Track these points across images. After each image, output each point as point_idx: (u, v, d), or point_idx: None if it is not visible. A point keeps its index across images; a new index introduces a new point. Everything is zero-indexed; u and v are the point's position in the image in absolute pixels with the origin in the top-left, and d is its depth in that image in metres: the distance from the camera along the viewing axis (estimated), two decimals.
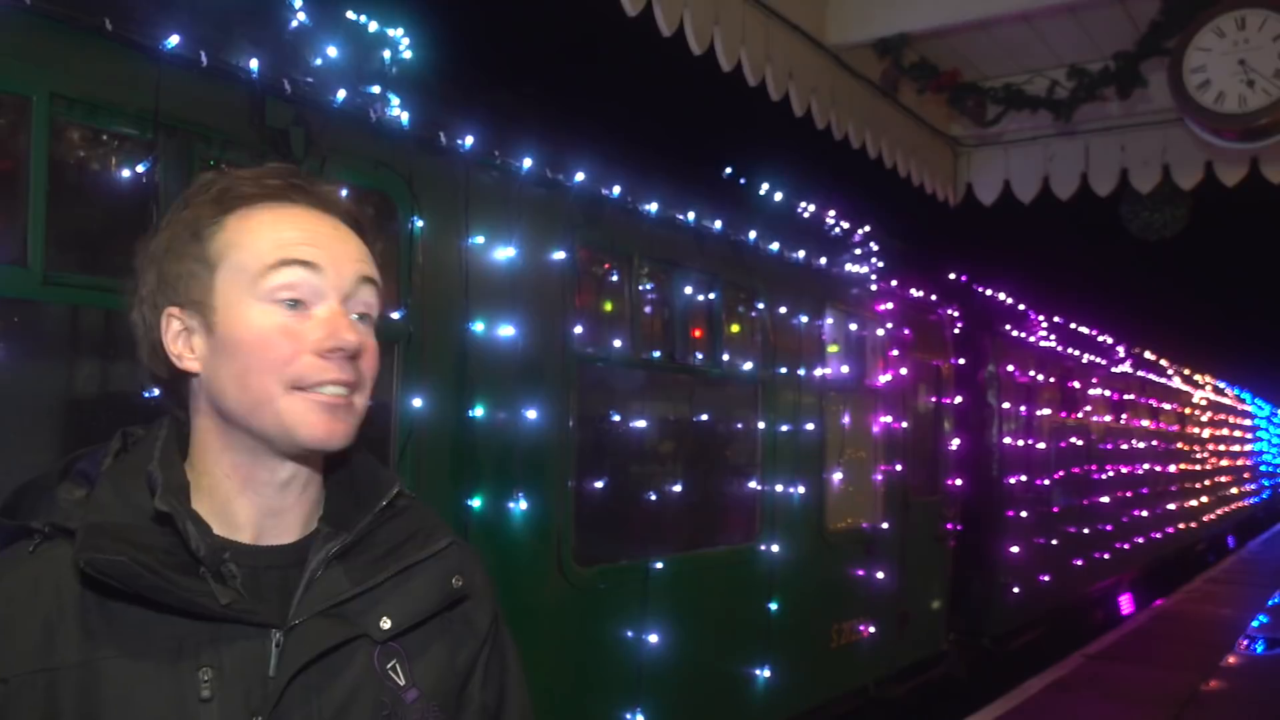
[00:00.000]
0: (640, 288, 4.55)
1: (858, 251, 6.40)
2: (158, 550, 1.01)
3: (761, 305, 5.32)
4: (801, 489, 5.51)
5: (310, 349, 1.05)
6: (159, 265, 1.09)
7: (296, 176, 1.12)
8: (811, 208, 6.08)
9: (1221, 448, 19.96)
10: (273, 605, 1.07)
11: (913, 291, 7.04)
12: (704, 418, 5.15)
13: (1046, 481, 9.39)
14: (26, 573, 1.03)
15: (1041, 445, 9.31)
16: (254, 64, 2.86)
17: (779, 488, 5.35)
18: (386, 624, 1.10)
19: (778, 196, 5.67)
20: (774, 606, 5.20)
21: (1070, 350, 10.54)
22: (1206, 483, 17.64)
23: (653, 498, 4.70)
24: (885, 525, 6.43)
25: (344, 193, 1.14)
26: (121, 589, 0.99)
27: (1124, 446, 12.36)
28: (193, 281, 1.07)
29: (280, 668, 1.04)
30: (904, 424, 6.71)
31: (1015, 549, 8.33)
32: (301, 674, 1.04)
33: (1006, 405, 8.52)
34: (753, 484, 5.29)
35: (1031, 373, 9.21)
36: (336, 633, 1.07)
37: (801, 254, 5.70)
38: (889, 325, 6.63)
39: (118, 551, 0.98)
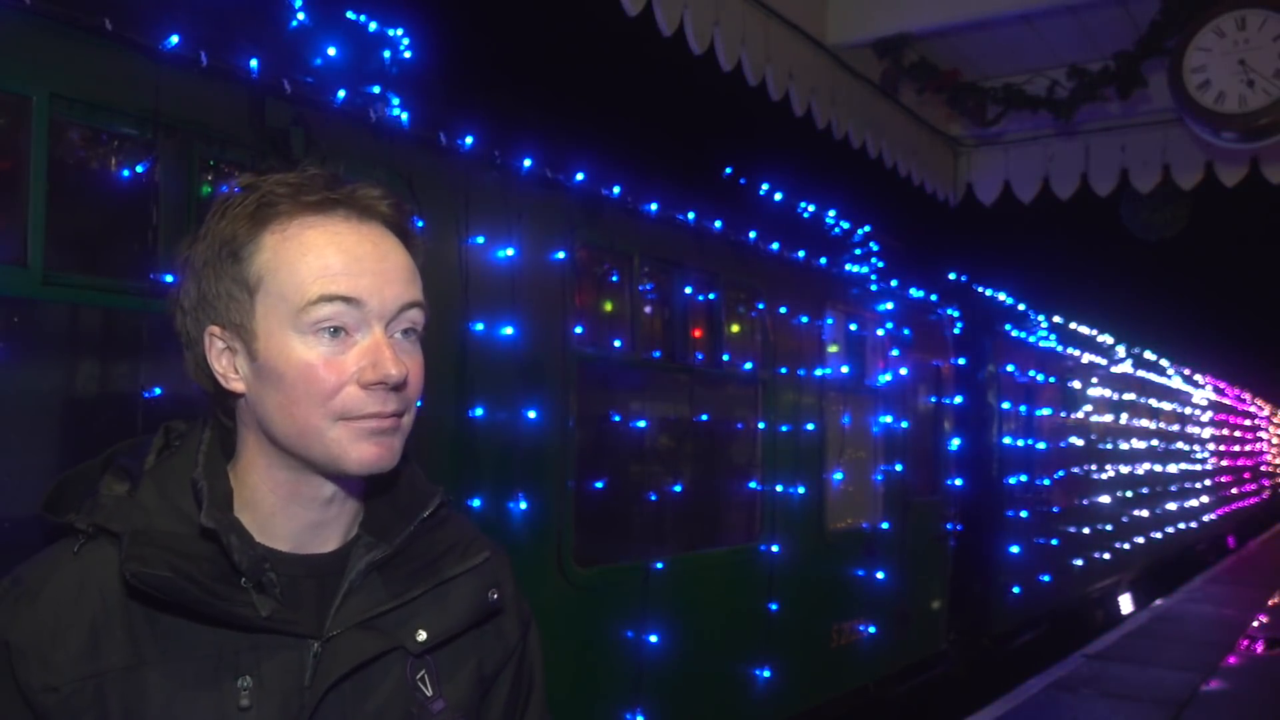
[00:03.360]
0: (640, 287, 4.55)
1: (858, 251, 6.40)
2: (201, 560, 1.02)
3: (762, 305, 5.32)
4: (802, 489, 5.51)
5: (353, 380, 1.03)
6: (199, 280, 1.06)
7: (335, 187, 1.07)
8: (811, 208, 6.09)
9: (1222, 448, 19.96)
10: (310, 614, 1.07)
11: (913, 292, 7.04)
12: (704, 418, 5.15)
13: (1046, 481, 9.39)
14: (71, 576, 1.03)
15: (1041, 445, 9.31)
16: (254, 64, 2.86)
17: (779, 488, 5.35)
18: (422, 636, 1.11)
19: (778, 196, 5.67)
20: (774, 606, 5.20)
21: (1070, 350, 10.54)
22: (1206, 483, 17.63)
23: (653, 498, 4.69)
24: (885, 525, 6.43)
25: (383, 196, 1.10)
26: (164, 600, 1.00)
27: (1124, 446, 12.35)
28: (232, 304, 1.04)
29: (316, 679, 1.04)
30: (904, 424, 6.71)
31: (1015, 549, 8.33)
32: (337, 685, 1.05)
33: (1006, 405, 8.52)
34: (753, 484, 5.28)
35: (1031, 373, 9.21)
36: (373, 645, 1.07)
37: (802, 254, 5.70)
38: (889, 325, 6.63)
39: (162, 564, 0.99)
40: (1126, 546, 11.96)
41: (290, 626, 1.04)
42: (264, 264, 1.03)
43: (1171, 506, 14.59)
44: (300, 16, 3.05)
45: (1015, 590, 8.36)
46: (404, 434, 1.09)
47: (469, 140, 3.58)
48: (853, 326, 6.32)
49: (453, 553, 1.16)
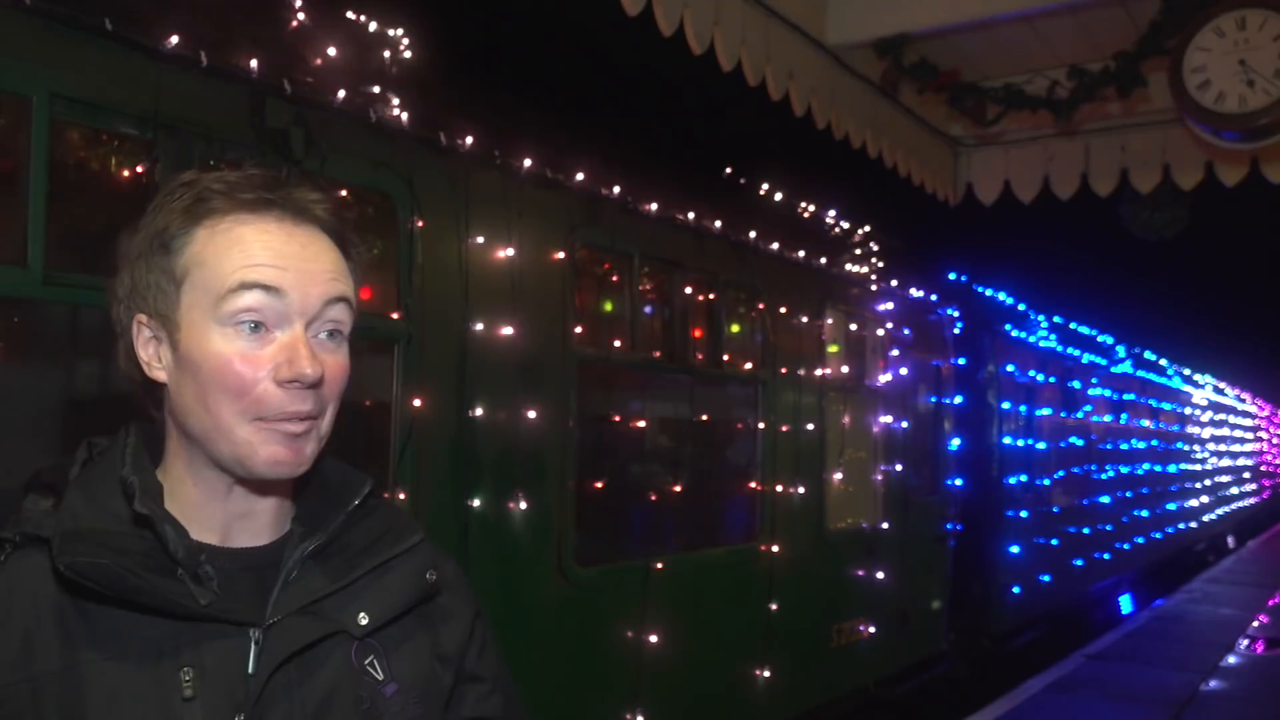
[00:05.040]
0: (640, 287, 4.54)
1: (858, 251, 6.40)
2: (135, 554, 1.01)
3: (762, 305, 5.32)
4: (802, 489, 5.51)
5: (268, 377, 1.03)
6: (132, 270, 1.08)
7: (271, 187, 1.08)
8: (811, 208, 6.09)
9: (1221, 448, 19.96)
10: (250, 605, 1.07)
11: (913, 291, 7.04)
12: (704, 418, 5.15)
13: (1046, 481, 9.39)
14: (0, 584, 1.02)
15: (1041, 445, 9.31)
16: (254, 64, 2.86)
17: (779, 488, 5.35)
18: (364, 620, 1.11)
19: (778, 196, 5.67)
20: (774, 606, 5.20)
21: (1070, 350, 10.54)
22: (1206, 483, 17.64)
23: (653, 498, 4.69)
24: (885, 525, 6.43)
25: (321, 200, 1.11)
26: (102, 592, 0.99)
27: (1124, 446, 12.36)
28: (159, 294, 1.06)
29: (259, 665, 1.04)
30: (904, 424, 6.71)
31: (1015, 549, 8.33)
32: (281, 670, 1.04)
33: (1006, 405, 8.52)
34: (753, 484, 5.28)
35: (1031, 373, 9.21)
36: (314, 629, 1.07)
37: (802, 254, 5.70)
38: (889, 325, 6.63)
39: (98, 555, 0.98)
40: (1126, 546, 11.96)
41: (230, 614, 1.04)
42: (192, 256, 1.05)
43: (1171, 506, 14.59)
44: (300, 16, 3.05)
45: (1015, 590, 8.36)
46: (319, 439, 1.09)
47: (469, 140, 3.58)
48: (853, 326, 6.32)
49: (387, 537, 1.16)
